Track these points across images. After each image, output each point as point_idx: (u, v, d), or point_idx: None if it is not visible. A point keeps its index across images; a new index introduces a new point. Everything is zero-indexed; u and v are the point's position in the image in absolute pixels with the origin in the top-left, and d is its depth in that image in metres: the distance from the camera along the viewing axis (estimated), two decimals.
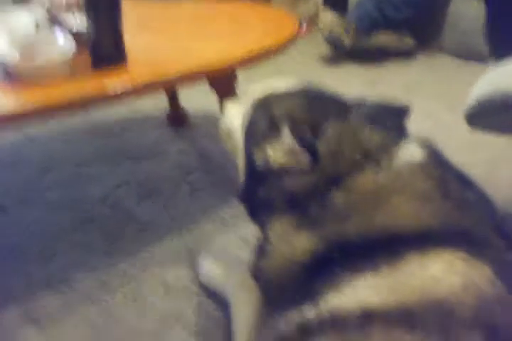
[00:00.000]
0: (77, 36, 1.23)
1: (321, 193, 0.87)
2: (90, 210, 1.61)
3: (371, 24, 2.71)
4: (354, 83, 2.41)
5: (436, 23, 2.86)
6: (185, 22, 1.64)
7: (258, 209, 1.00)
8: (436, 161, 0.90)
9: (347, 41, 2.67)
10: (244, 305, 1.14)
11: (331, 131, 0.92)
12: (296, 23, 1.64)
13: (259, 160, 0.95)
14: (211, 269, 1.33)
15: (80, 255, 1.44)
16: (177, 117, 2.07)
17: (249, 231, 1.49)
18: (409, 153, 0.89)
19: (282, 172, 0.92)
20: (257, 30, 1.61)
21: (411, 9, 2.71)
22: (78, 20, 1.25)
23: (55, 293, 1.30)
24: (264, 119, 0.99)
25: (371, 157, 0.88)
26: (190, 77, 1.34)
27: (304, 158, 0.89)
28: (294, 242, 0.87)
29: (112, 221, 1.56)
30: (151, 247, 1.46)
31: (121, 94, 1.22)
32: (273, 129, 0.95)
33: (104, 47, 1.22)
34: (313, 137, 0.91)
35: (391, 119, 0.98)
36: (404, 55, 2.81)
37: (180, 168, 1.82)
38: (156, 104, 2.22)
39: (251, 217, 1.07)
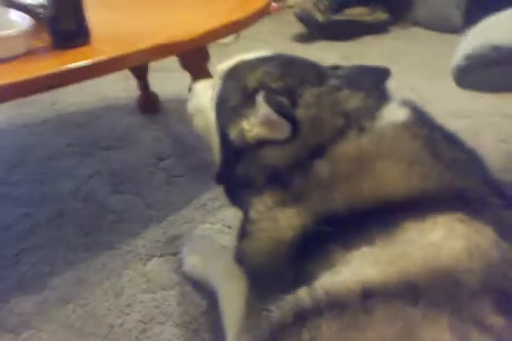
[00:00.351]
0: (34, 12, 1.13)
1: (303, 165, 0.80)
2: (63, 203, 1.52)
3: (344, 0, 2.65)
4: (329, 59, 2.29)
5: None
6: None
7: (237, 189, 0.92)
8: (421, 120, 0.83)
9: (319, 17, 2.60)
10: (233, 295, 1.07)
11: (308, 96, 0.84)
12: None
13: (234, 135, 0.88)
14: (195, 258, 1.26)
15: (55, 251, 1.35)
16: (148, 103, 1.98)
17: (233, 216, 1.44)
18: (392, 113, 0.83)
19: (260, 145, 0.84)
20: (225, 3, 1.52)
21: None
22: None
23: (29, 297, 1.22)
24: (236, 90, 0.91)
25: (353, 121, 0.82)
26: (159, 52, 1.25)
27: (284, 128, 0.81)
28: (279, 219, 0.81)
29: (86, 213, 1.48)
30: (129, 239, 1.38)
31: (84, 71, 1.13)
32: (246, 100, 0.88)
33: (64, 23, 1.12)
34: (290, 105, 0.83)
35: (370, 81, 0.91)
36: (377, 29, 2.76)
37: (155, 155, 1.73)
38: (126, 90, 2.13)
39: (230, 199, 1.00)
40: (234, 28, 1.43)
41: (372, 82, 0.91)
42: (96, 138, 1.84)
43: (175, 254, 1.33)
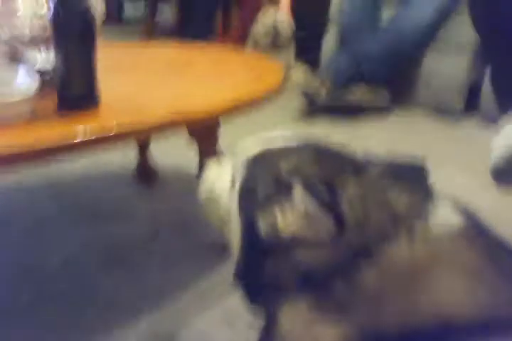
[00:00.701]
0: (42, 74, 1.03)
1: (346, 269, 0.68)
2: (46, 280, 1.36)
3: (347, 80, 2.65)
4: (332, 139, 2.28)
5: (410, 79, 2.83)
6: (164, 66, 1.48)
7: (263, 290, 0.78)
8: (476, 226, 0.73)
9: (322, 97, 2.58)
10: None
11: (351, 190, 0.74)
12: (282, 70, 1.50)
13: (264, 230, 0.75)
14: None
15: (34, 336, 1.17)
16: (146, 173, 1.87)
17: (236, 307, 1.28)
18: (445, 216, 0.72)
19: (295, 242, 0.72)
20: (242, 77, 1.46)
21: (387, 67, 2.67)
22: (44, 57, 1.05)
23: None
24: (267, 180, 0.79)
25: (401, 220, 0.71)
26: (170, 126, 1.15)
27: (327, 225, 0.70)
28: (317, 334, 0.67)
29: (70, 295, 1.31)
30: (118, 331, 1.21)
31: (91, 142, 1.02)
32: (281, 189, 0.76)
33: (73, 87, 1.02)
34: (333, 197, 0.72)
35: (414, 178, 0.81)
36: (379, 110, 2.74)
37: (150, 231, 1.59)
38: (124, 157, 2.02)
39: (251, 298, 0.86)
40: (253, 103, 1.35)
41: (416, 179, 0.81)
42: (89, 206, 1.71)
43: None
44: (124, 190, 1.82)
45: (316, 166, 0.77)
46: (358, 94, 2.70)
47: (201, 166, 1.43)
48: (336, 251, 0.70)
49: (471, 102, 2.70)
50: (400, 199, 0.73)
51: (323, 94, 2.60)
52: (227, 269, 1.28)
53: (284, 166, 0.78)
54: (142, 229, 1.60)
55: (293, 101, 2.76)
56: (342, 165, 0.79)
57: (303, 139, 0.86)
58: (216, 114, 1.26)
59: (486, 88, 2.67)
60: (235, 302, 1.27)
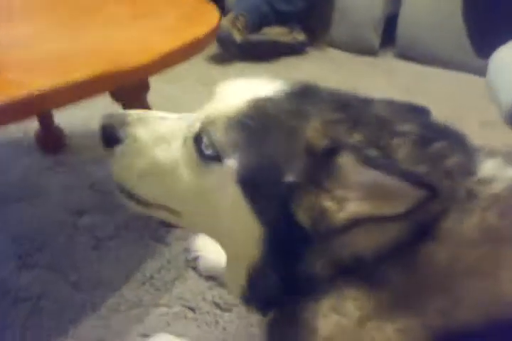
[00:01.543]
0: None
1: (404, 252, 0.55)
2: None
3: (261, 18, 2.42)
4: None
5: (325, 17, 2.66)
6: (70, 10, 1.16)
7: (288, 294, 0.61)
8: None
9: (238, 37, 2.34)
10: None
11: (403, 152, 0.57)
12: (215, 10, 1.25)
13: (304, 219, 0.56)
14: None
15: None
16: (51, 139, 1.55)
17: (193, 292, 1.10)
18: (503, 172, 0.60)
19: (348, 228, 0.54)
20: (169, 19, 1.18)
21: (302, 2, 2.47)
22: None
23: None
24: (290, 147, 0.59)
25: (458, 183, 0.57)
26: (100, 85, 0.89)
27: (405, 198, 0.51)
28: (372, 334, 0.54)
29: None
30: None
31: None
32: (317, 162, 0.56)
33: None
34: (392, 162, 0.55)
35: (451, 132, 0.65)
36: (295, 50, 2.56)
37: (70, 210, 1.32)
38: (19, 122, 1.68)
39: (264, 307, 0.67)
40: (193, 49, 1.10)
41: (453, 133, 0.65)
42: None
43: None
44: (27, 162, 1.50)
45: (350, 126, 0.58)
46: (274, 33, 2.50)
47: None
48: (395, 230, 0.55)
49: (387, 36, 2.60)
50: (451, 156, 0.59)
51: (236, 35, 2.35)
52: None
53: (312, 134, 0.58)
54: (59, 207, 1.32)
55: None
56: (369, 118, 0.61)
57: (298, 86, 0.67)
58: (148, 70, 1.00)
59: (402, 20, 2.59)
60: (190, 287, 1.10)
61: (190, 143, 0.65)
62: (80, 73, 0.87)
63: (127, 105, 1.16)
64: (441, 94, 2.08)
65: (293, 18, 2.54)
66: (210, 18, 1.19)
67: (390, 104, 0.68)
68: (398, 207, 0.51)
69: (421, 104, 0.71)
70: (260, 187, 0.59)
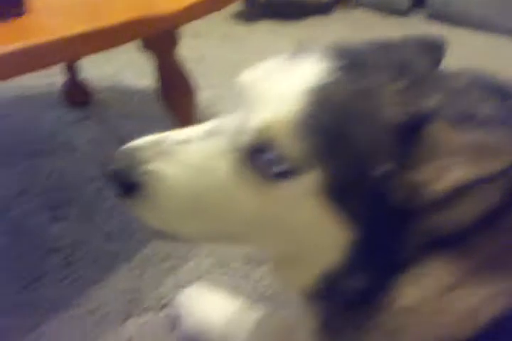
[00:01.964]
0: None
1: (498, 214, 0.50)
2: None
3: None
4: (279, 42, 2.02)
5: None
6: None
7: (375, 277, 0.55)
8: None
9: None
10: None
11: (486, 106, 0.51)
12: None
13: (400, 197, 0.50)
14: (201, 316, 0.90)
15: None
16: (78, 93, 1.53)
17: (224, 250, 1.09)
18: None
19: (452, 197, 0.49)
20: None
21: None
22: None
23: None
24: (370, 133, 0.51)
25: None
26: (135, 31, 0.86)
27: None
28: (460, 300, 0.50)
29: (15, 254, 1.04)
30: (89, 290, 0.98)
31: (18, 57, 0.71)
32: (406, 141, 0.50)
33: None
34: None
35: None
36: (322, 10, 2.49)
37: (97, 163, 1.31)
38: (47, 74, 1.65)
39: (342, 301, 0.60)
40: (222, 1, 1.07)
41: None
42: (12, 141, 1.37)
43: (161, 309, 0.96)
44: (54, 116, 1.48)
45: (417, 88, 0.52)
46: None
47: (162, 86, 1.15)
48: (496, 189, 0.50)
49: None
50: None
51: None
52: None
53: (383, 106, 0.51)
54: (87, 161, 1.31)
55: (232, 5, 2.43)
56: (437, 78, 0.55)
57: (339, 57, 0.55)
58: (178, 18, 0.96)
59: None
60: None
61: (242, 163, 0.53)
62: (110, 19, 0.84)
63: (158, 57, 1.14)
64: (474, 56, 2.01)
65: None
66: None
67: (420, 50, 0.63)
68: (500, 165, 0.46)
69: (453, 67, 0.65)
70: (348, 190, 0.50)
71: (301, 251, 0.56)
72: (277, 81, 0.53)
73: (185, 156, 0.55)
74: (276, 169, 0.50)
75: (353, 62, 0.53)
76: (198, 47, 1.96)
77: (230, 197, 0.54)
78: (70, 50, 0.78)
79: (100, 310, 0.94)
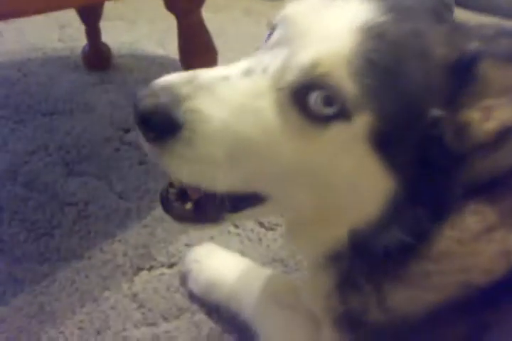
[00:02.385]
0: None
1: None
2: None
3: None
4: None
5: None
6: None
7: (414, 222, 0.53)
8: None
9: None
10: (287, 334, 0.74)
11: None
12: None
13: (450, 138, 0.48)
14: (208, 273, 0.90)
15: None
16: (97, 56, 1.53)
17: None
18: None
19: (502, 138, 0.48)
20: None
21: None
22: None
23: None
24: (424, 73, 0.49)
25: None
26: None
27: None
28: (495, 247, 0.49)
29: (32, 206, 1.05)
30: (102, 243, 0.99)
31: None
32: (457, 81, 0.49)
33: None
34: None
35: None
36: None
37: (116, 125, 1.31)
38: (62, 40, 1.66)
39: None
40: None
41: None
42: (31, 99, 1.38)
43: (171, 266, 0.96)
44: (72, 77, 1.48)
45: (461, 31, 0.51)
46: None
47: (185, 48, 1.15)
48: None
49: None
50: None
51: None
52: None
53: (435, 46, 0.49)
54: (105, 122, 1.31)
55: None
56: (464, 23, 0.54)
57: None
58: None
59: None
60: None
61: (287, 103, 0.48)
62: None
63: (181, 17, 1.13)
64: None
65: None
66: None
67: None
68: None
69: None
70: (398, 135, 0.48)
71: (334, 203, 0.53)
72: (326, 17, 0.50)
73: (227, 94, 0.48)
74: (325, 110, 0.47)
75: (394, 4, 0.51)
76: (219, 21, 1.94)
77: (273, 140, 0.49)
78: None
79: (111, 262, 0.95)
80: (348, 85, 0.45)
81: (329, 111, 0.47)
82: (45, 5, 0.76)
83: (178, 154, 0.48)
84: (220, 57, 1.21)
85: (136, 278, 0.93)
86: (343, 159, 0.49)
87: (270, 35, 0.54)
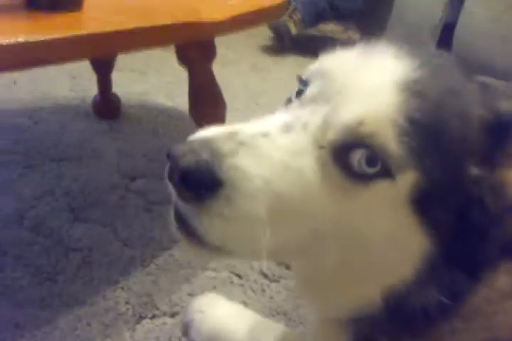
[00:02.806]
0: None
1: None
2: (1, 233, 1.08)
3: (317, 14, 2.44)
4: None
5: (381, 18, 2.64)
6: None
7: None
8: None
9: (293, 29, 2.35)
10: None
11: None
12: None
13: (490, 200, 0.48)
14: (214, 324, 0.89)
15: None
16: (108, 105, 1.57)
17: (240, 263, 1.08)
18: None
19: None
20: None
21: (360, 0, 2.48)
22: None
23: None
24: (464, 136, 0.48)
25: None
26: (181, 33, 0.90)
27: None
28: None
29: (37, 250, 1.05)
30: (105, 290, 0.98)
31: (73, 45, 0.75)
32: (495, 141, 0.49)
33: None
34: None
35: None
36: (350, 45, 2.56)
37: (123, 173, 1.33)
38: (73, 90, 1.71)
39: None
40: (262, 17, 1.11)
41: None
42: (42, 145, 1.40)
43: (173, 315, 0.95)
44: (82, 126, 1.52)
45: (491, 90, 0.53)
46: (329, 29, 2.51)
47: (195, 99, 1.18)
48: None
49: (443, 41, 2.57)
50: None
51: (292, 28, 2.37)
52: None
53: (473, 105, 0.49)
54: (112, 170, 1.33)
55: (257, 37, 2.51)
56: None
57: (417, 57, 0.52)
58: (221, 27, 1.01)
59: (460, 29, 2.55)
60: None
61: (328, 162, 0.47)
62: (156, 20, 0.88)
63: (192, 71, 1.17)
64: None
65: (350, 16, 2.54)
66: None
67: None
68: None
69: None
70: (441, 194, 0.47)
71: (369, 262, 0.51)
72: (365, 73, 0.49)
73: (269, 151, 0.46)
74: (368, 169, 0.46)
75: (426, 61, 0.50)
76: (227, 74, 2.01)
77: (314, 198, 0.47)
78: (117, 43, 0.81)
79: (113, 310, 0.94)
80: (393, 145, 0.45)
81: (372, 170, 0.46)
82: (62, 55, 0.79)
83: (216, 213, 0.45)
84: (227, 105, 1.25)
85: (138, 327, 0.92)
86: (382, 217, 0.48)
87: (301, 90, 0.54)
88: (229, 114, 1.30)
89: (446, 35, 2.53)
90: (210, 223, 0.46)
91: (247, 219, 0.46)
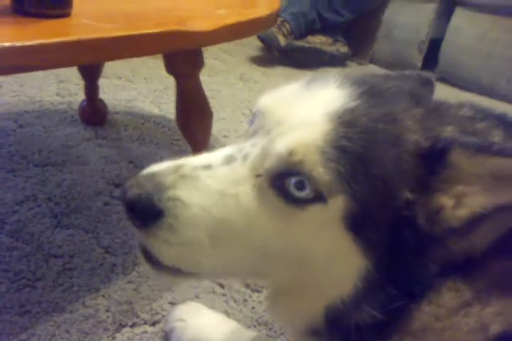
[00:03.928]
0: None
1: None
2: None
3: (307, 26, 2.46)
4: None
5: (370, 32, 2.68)
6: None
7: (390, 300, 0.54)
8: None
9: (282, 40, 2.37)
10: None
11: (497, 133, 0.54)
12: None
13: (423, 221, 0.50)
14: (193, 333, 0.88)
15: None
16: (94, 112, 1.56)
17: None
18: None
19: (474, 223, 0.49)
20: None
21: (349, 14, 2.50)
22: None
23: None
24: (397, 161, 0.50)
25: None
26: (170, 41, 0.90)
27: None
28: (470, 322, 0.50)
29: (17, 256, 1.04)
30: (85, 297, 0.97)
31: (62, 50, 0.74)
32: (428, 167, 0.51)
33: None
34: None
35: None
36: (336, 61, 2.59)
37: (107, 179, 1.32)
38: (60, 94, 1.70)
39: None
40: (253, 28, 1.12)
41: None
42: (25, 151, 1.39)
43: (154, 323, 0.95)
44: (68, 131, 1.51)
45: (434, 116, 0.54)
46: (317, 42, 2.53)
47: (182, 108, 1.18)
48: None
49: (430, 56, 2.61)
50: None
51: (281, 39, 2.38)
52: None
53: (406, 132, 0.51)
54: (97, 176, 1.33)
55: (246, 47, 2.53)
56: (447, 108, 0.57)
57: (357, 85, 0.55)
58: (210, 37, 1.01)
59: (446, 45, 2.59)
60: None
61: (265, 188, 0.51)
62: (144, 28, 0.88)
63: (180, 79, 1.17)
64: None
65: (339, 28, 2.57)
66: (272, 3, 1.21)
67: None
68: None
69: None
70: (371, 217, 0.50)
71: (311, 280, 0.55)
72: (299, 106, 0.53)
73: (208, 182, 0.52)
74: (300, 194, 0.49)
75: (369, 89, 0.53)
76: (215, 84, 2.02)
77: (252, 222, 0.52)
78: (104, 51, 0.80)
79: (92, 318, 0.93)
80: (319, 171, 0.48)
81: (305, 194, 0.49)
82: (49, 62, 0.79)
83: (162, 239, 0.51)
84: (214, 115, 1.25)
85: (118, 335, 0.91)
86: (319, 238, 0.51)
87: (252, 123, 0.58)
88: (215, 124, 1.30)
89: (432, 51, 2.57)
90: (159, 247, 0.52)
91: (189, 244, 0.52)
